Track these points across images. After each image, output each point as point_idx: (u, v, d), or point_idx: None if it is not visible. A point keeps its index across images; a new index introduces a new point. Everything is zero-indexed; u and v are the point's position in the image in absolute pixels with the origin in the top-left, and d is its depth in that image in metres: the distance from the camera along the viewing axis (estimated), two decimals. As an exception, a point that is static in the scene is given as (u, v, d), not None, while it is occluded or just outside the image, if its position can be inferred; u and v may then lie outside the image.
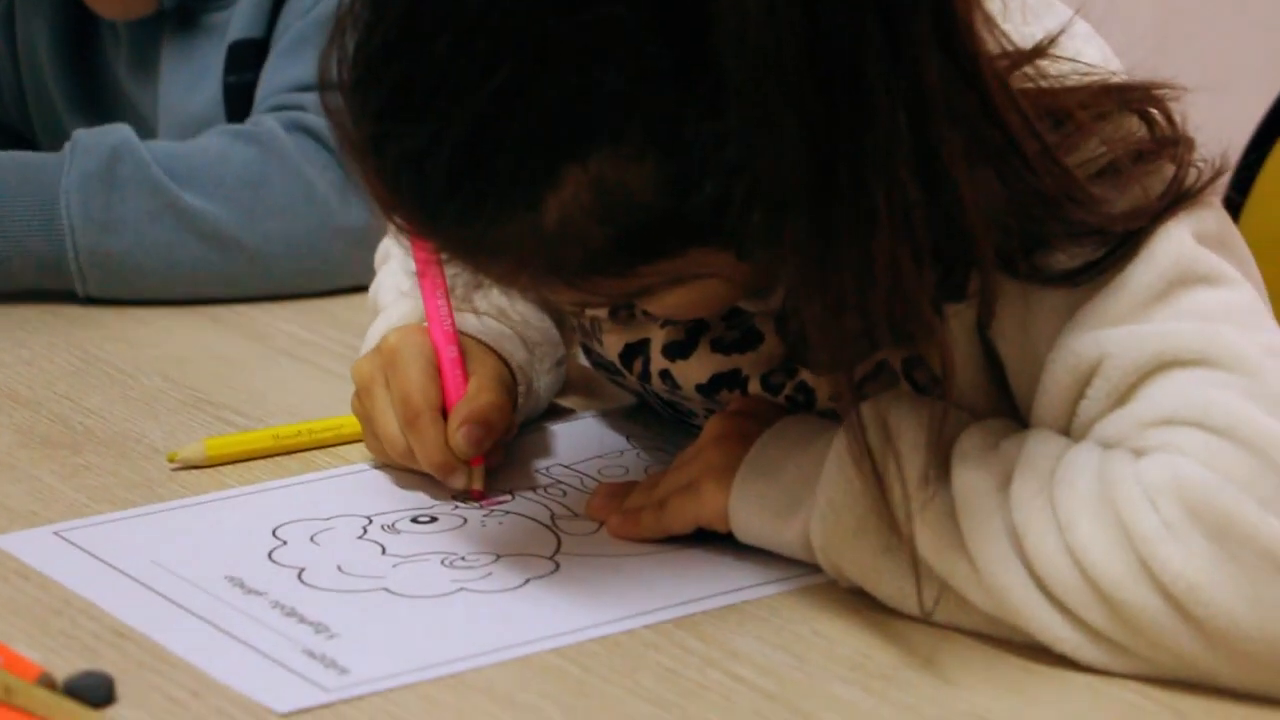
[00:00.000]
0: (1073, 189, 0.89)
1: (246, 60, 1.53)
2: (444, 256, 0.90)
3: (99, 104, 1.65)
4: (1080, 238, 0.90)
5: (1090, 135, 0.90)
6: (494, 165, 0.84)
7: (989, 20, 0.88)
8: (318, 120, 1.45)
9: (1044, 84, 0.90)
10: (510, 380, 1.11)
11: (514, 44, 0.83)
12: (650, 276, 0.90)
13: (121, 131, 1.44)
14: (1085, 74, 0.92)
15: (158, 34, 1.58)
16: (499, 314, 1.13)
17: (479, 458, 1.06)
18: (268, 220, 1.43)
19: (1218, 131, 0.96)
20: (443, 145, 0.84)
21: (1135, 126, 0.92)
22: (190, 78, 1.55)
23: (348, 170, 1.44)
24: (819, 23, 0.81)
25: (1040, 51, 0.90)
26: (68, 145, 1.43)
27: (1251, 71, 2.16)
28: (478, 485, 1.07)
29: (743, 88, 0.82)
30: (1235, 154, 1.49)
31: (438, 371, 1.07)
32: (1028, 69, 0.90)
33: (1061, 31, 0.92)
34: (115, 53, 1.63)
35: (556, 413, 1.21)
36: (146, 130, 1.54)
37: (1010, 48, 0.89)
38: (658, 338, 1.08)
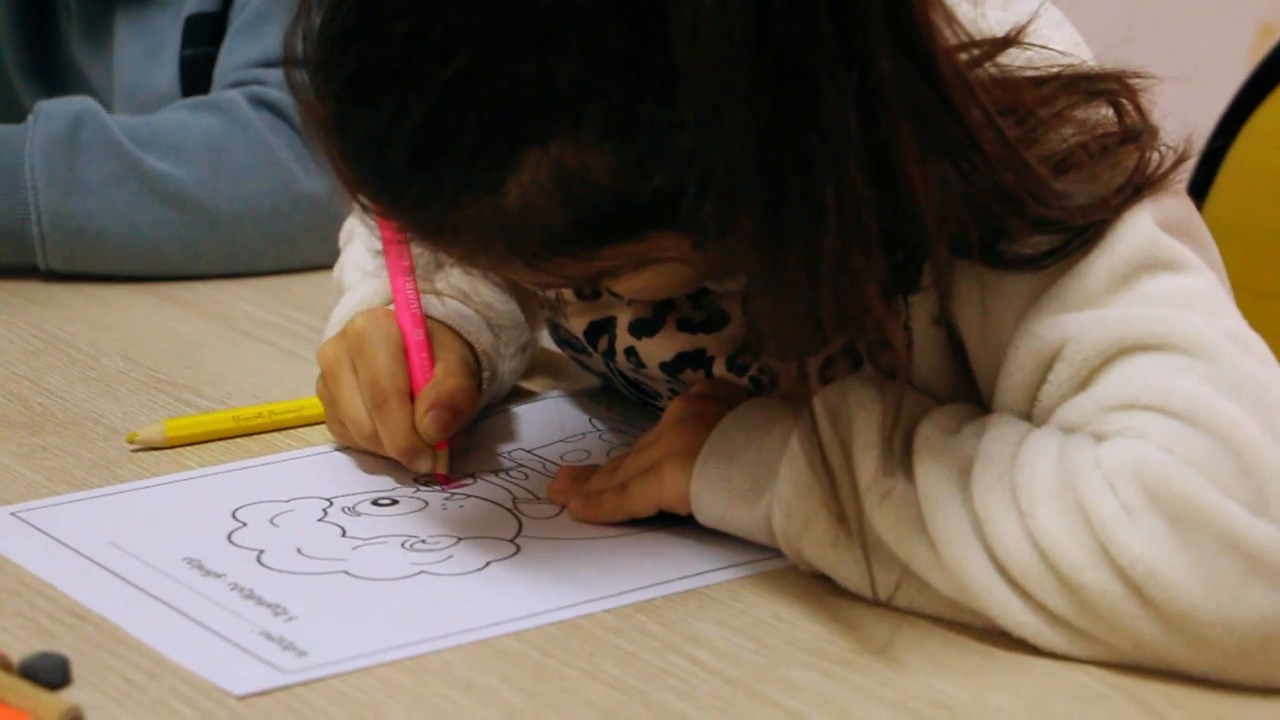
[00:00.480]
0: (1033, 184, 0.88)
1: (203, 34, 1.53)
2: (407, 236, 0.90)
3: (52, 77, 1.65)
4: (1040, 230, 0.90)
5: (1054, 128, 0.90)
6: (453, 149, 0.84)
7: (949, 15, 0.87)
8: (279, 95, 1.45)
9: (1013, 74, 0.90)
10: (475, 364, 1.10)
11: (473, 29, 0.83)
12: (612, 259, 0.90)
13: (85, 100, 1.45)
14: (1056, 62, 0.91)
15: (110, 6, 1.57)
16: (463, 297, 1.13)
17: (444, 442, 1.06)
18: (230, 183, 1.43)
19: (1183, 119, 0.96)
20: (402, 129, 0.84)
21: (1105, 115, 0.92)
22: (145, 51, 1.55)
23: (312, 147, 1.45)
24: (770, 15, 0.81)
25: (1008, 42, 0.90)
26: (31, 115, 1.43)
27: (1216, 60, 2.16)
28: (442, 469, 1.07)
29: (695, 78, 0.82)
30: (1199, 142, 1.50)
31: (405, 355, 1.07)
32: (997, 60, 0.90)
33: (1030, 20, 0.92)
34: (67, 25, 1.63)
35: (519, 395, 1.20)
36: (102, 104, 1.53)
37: (971, 38, 0.89)
38: (624, 315, 1.07)
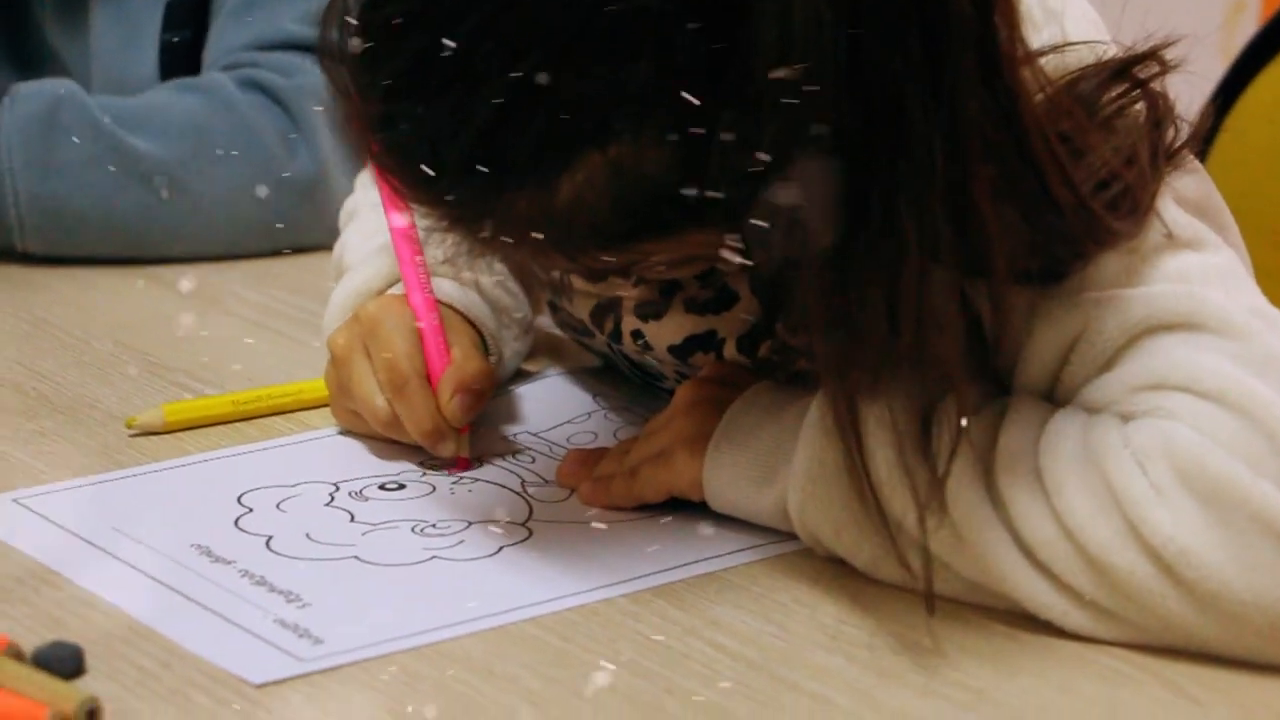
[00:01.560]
0: (1096, 230, 0.87)
1: (183, 18, 1.51)
2: (445, 226, 0.87)
3: (27, 60, 1.63)
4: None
5: (1101, 151, 0.87)
6: (513, 151, 0.81)
7: (1030, 57, 0.85)
8: (272, 77, 1.44)
9: (1062, 94, 0.87)
10: (484, 347, 1.09)
11: (544, 32, 0.80)
12: (652, 252, 0.88)
13: (66, 82, 1.43)
14: (1090, 60, 0.90)
15: None
16: (468, 280, 1.11)
17: (466, 425, 1.05)
18: (209, 165, 1.41)
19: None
20: (461, 129, 0.81)
21: (1138, 109, 0.90)
22: (124, 36, 1.53)
23: (311, 130, 1.43)
24: (863, 43, 0.79)
25: (1074, 84, 0.88)
26: (7, 96, 1.41)
27: (1189, 35, 2.16)
28: (464, 453, 1.05)
29: (779, 102, 0.79)
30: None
31: (420, 339, 1.05)
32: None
33: (1091, 48, 0.90)
34: (41, 9, 1.60)
35: (519, 374, 1.19)
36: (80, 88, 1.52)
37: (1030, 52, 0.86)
38: (630, 296, 1.06)
